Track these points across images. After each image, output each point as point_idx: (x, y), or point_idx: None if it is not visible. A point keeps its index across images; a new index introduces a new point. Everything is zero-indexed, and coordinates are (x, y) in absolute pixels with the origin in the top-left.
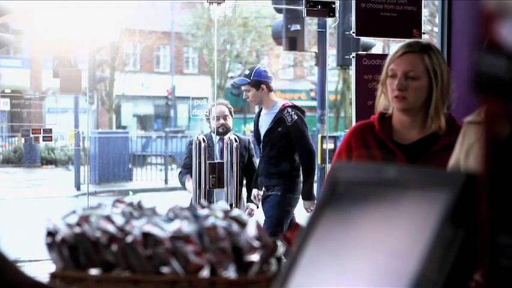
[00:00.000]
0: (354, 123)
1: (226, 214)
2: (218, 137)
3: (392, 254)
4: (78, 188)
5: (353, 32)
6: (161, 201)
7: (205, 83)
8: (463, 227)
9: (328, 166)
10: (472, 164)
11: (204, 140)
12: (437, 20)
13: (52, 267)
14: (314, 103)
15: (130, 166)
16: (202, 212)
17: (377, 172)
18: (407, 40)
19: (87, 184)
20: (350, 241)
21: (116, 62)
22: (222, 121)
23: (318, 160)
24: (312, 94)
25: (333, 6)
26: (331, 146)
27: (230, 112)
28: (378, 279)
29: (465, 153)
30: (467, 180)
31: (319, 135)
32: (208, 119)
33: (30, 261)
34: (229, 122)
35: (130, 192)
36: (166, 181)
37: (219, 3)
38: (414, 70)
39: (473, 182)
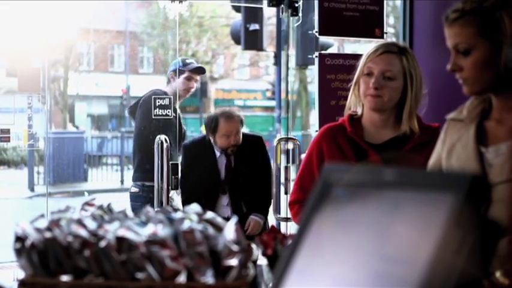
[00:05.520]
0: (317, 123)
1: (201, 217)
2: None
3: (394, 261)
4: (32, 189)
5: (316, 32)
6: (117, 201)
7: (160, 83)
8: (471, 231)
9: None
10: (454, 164)
11: (166, 141)
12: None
13: (18, 273)
14: (270, 103)
15: (85, 167)
16: (177, 215)
17: (374, 174)
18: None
19: (45, 185)
20: (346, 247)
21: (70, 61)
22: (232, 140)
23: (278, 160)
24: (268, 94)
25: (296, 5)
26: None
27: (242, 124)
28: (378, 287)
29: (447, 151)
30: (473, 182)
31: (278, 135)
32: (209, 131)
33: None
34: (240, 136)
35: (86, 193)
36: (122, 181)
37: (180, 1)
38: (391, 70)
39: (479, 184)
